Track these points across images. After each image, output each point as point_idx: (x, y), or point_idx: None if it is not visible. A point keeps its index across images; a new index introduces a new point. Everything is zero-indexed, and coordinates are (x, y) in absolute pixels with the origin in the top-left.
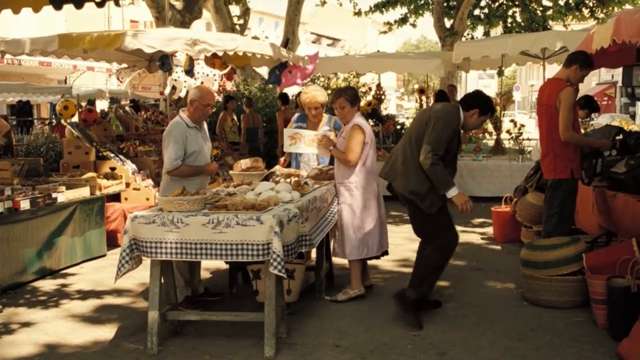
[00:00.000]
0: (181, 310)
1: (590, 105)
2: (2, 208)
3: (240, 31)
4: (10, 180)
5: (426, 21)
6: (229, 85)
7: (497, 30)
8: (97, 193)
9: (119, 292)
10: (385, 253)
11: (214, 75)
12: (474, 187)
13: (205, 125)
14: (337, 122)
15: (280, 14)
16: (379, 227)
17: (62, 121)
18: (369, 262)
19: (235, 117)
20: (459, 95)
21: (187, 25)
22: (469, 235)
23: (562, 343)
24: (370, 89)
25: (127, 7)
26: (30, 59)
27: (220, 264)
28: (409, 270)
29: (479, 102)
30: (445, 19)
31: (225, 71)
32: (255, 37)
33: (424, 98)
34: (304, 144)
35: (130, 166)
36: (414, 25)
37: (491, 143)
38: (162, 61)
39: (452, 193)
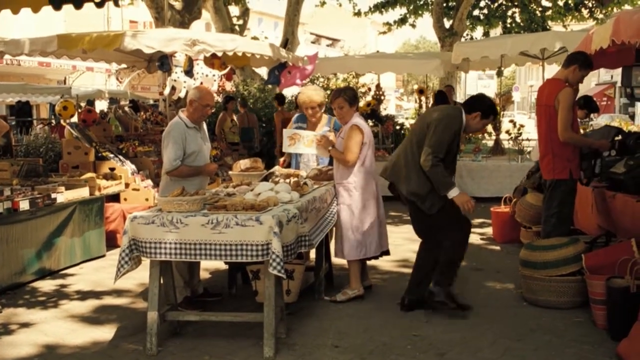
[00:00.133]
0: (180, 310)
1: (589, 105)
2: (2, 208)
3: (239, 31)
4: (9, 181)
5: (425, 22)
6: (229, 86)
7: (496, 31)
8: (97, 193)
9: (118, 293)
10: (386, 253)
11: (213, 75)
12: (473, 188)
13: (204, 126)
14: (337, 122)
15: (280, 15)
16: (378, 228)
17: (62, 121)
18: (369, 262)
19: (235, 118)
20: (457, 96)
21: (186, 26)
22: None
23: (562, 343)
24: (369, 89)
25: (126, 7)
26: (30, 60)
27: (220, 265)
28: (409, 270)
29: (481, 105)
30: (445, 20)
31: (225, 71)
32: (255, 38)
33: (423, 98)
34: (303, 144)
35: (129, 166)
36: (413, 26)
37: (490, 143)
38: (162, 61)
39: (453, 193)
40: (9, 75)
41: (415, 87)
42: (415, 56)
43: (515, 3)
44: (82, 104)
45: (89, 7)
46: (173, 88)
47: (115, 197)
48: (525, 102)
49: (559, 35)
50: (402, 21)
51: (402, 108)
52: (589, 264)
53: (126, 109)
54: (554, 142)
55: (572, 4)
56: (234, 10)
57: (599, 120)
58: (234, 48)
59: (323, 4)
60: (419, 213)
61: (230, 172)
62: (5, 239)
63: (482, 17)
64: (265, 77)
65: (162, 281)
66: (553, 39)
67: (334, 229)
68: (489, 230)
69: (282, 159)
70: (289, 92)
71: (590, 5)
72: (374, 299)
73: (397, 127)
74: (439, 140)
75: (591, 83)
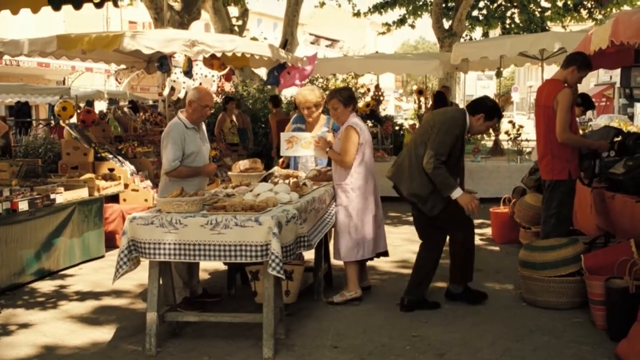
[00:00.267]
0: (180, 311)
1: (586, 102)
2: (1, 209)
3: (238, 32)
4: (8, 181)
5: (425, 22)
6: (228, 87)
7: (495, 32)
8: (96, 194)
9: (117, 293)
10: (384, 254)
11: (213, 76)
12: (473, 188)
13: (203, 126)
14: (336, 123)
15: (279, 15)
16: (375, 229)
17: (61, 122)
18: (368, 263)
19: (234, 118)
20: (454, 97)
21: (185, 26)
22: None
23: (561, 344)
24: (368, 90)
25: (125, 8)
26: (29, 60)
27: (219, 265)
28: (408, 271)
29: (484, 106)
30: (444, 20)
31: (224, 72)
32: (254, 38)
33: (422, 99)
34: (301, 146)
35: (128, 167)
36: (412, 26)
37: (490, 144)
38: (161, 62)
39: (456, 194)
40: (8, 75)
41: (415, 87)
42: (415, 57)
43: (515, 4)
44: (81, 105)
45: (88, 7)
46: (172, 89)
47: (114, 198)
48: (525, 103)
49: (558, 35)
50: (402, 22)
51: (402, 109)
52: (588, 265)
53: (125, 109)
54: (553, 142)
55: (571, 5)
56: (233, 10)
57: (598, 121)
58: (233, 49)
59: (322, 4)
60: (420, 214)
61: (229, 173)
62: (4, 239)
63: (481, 17)
64: (265, 77)
65: (161, 282)
66: (552, 40)
67: (333, 229)
68: (488, 231)
69: (281, 160)
70: (288, 93)
71: (589, 5)
72: (373, 299)
73: (397, 128)
74: (441, 142)
75: (590, 84)
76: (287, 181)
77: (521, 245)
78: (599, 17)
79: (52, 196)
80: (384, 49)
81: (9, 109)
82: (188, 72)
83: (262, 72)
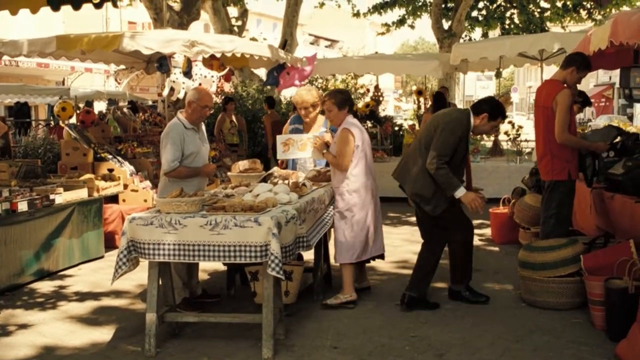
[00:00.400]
0: (179, 311)
1: (583, 100)
2: (0, 210)
3: (238, 32)
4: (8, 182)
5: (424, 23)
6: (227, 87)
7: (495, 32)
8: (95, 194)
9: (116, 294)
10: (381, 257)
11: (212, 76)
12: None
13: (203, 127)
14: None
15: (279, 16)
16: (372, 231)
17: (60, 123)
18: (368, 263)
19: (234, 119)
20: (453, 97)
21: (185, 27)
22: None
23: (560, 344)
24: (368, 90)
25: (125, 8)
26: (28, 61)
27: (218, 266)
28: (407, 272)
29: (487, 107)
30: (444, 21)
31: (223, 73)
32: (253, 39)
33: (421, 99)
34: (297, 148)
35: (128, 168)
36: (412, 27)
37: (489, 144)
38: (160, 63)
39: (459, 194)
40: (7, 76)
41: (414, 88)
42: (414, 57)
43: (514, 4)
44: (81, 105)
45: (87, 8)
46: (172, 89)
47: (113, 198)
48: (524, 103)
49: (558, 36)
50: (401, 22)
51: (401, 109)
52: (587, 265)
53: (125, 110)
54: (552, 143)
55: (570, 5)
56: (233, 11)
57: (598, 121)
58: (233, 49)
59: (322, 5)
60: (423, 214)
61: (229, 173)
62: (4, 240)
63: (480, 18)
64: (264, 78)
65: (160, 282)
66: (551, 40)
67: (332, 231)
68: (487, 231)
69: (280, 160)
70: (287, 94)
71: (588, 6)
72: (373, 299)
73: (396, 128)
74: (444, 143)
75: (589, 84)
76: (286, 182)
77: (520, 246)
78: (599, 17)
79: (51, 197)
80: (383, 50)
81: (8, 110)
82: (187, 73)
83: (262, 72)
